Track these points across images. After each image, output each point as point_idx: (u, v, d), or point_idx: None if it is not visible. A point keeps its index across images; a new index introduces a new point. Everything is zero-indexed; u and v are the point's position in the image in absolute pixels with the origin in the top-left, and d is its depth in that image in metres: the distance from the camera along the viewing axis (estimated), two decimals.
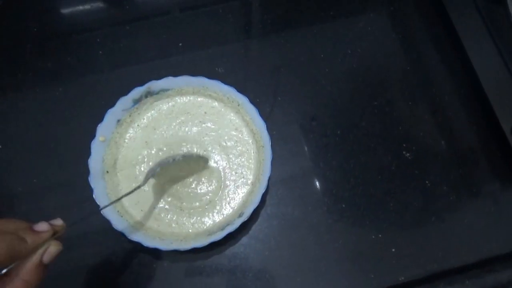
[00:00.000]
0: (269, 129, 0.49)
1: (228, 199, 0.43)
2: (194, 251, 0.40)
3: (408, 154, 0.50)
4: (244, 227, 0.46)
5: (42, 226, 0.29)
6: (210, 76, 0.45)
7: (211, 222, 0.42)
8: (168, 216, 0.42)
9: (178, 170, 0.43)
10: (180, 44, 0.54)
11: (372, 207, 0.48)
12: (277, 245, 0.46)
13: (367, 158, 0.50)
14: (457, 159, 0.50)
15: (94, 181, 0.40)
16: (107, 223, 0.40)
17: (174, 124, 0.45)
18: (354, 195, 0.48)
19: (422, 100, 0.53)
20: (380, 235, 0.47)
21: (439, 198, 0.49)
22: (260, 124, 0.43)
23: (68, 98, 0.50)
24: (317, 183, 0.48)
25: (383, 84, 0.53)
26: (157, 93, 0.44)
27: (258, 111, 0.43)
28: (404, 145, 0.50)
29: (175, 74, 0.45)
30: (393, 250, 0.46)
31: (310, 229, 0.47)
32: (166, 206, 0.42)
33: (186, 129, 0.45)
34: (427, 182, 0.49)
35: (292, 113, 0.51)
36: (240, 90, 0.45)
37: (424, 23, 0.57)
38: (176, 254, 0.41)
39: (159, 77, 0.45)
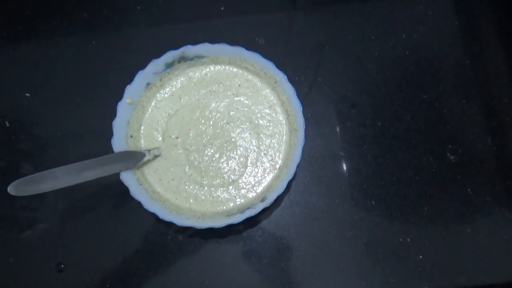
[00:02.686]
0: (304, 111, 0.46)
1: (252, 181, 0.40)
2: (211, 229, 0.38)
3: (452, 157, 0.46)
4: (265, 211, 0.44)
5: None
6: (249, 46, 0.42)
7: (232, 203, 0.40)
8: (187, 191, 0.40)
9: (202, 139, 0.41)
10: (222, 8, 0.50)
11: (403, 209, 0.44)
12: (296, 234, 0.44)
13: (406, 155, 0.46)
14: (506, 169, 0.46)
15: (117, 144, 0.39)
16: (126, 188, 0.39)
17: (203, 91, 0.42)
18: (386, 194, 0.45)
19: (477, 100, 0.48)
20: (408, 239, 0.44)
21: (479, 208, 0.45)
22: (296, 106, 0.40)
23: (99, 53, 0.49)
24: (348, 175, 0.45)
25: (435, 77, 0.48)
26: (191, 59, 0.41)
27: (296, 91, 0.40)
28: (450, 146, 0.46)
29: (213, 40, 0.42)
30: (420, 257, 0.43)
31: (333, 223, 0.44)
32: (186, 180, 0.40)
33: (216, 99, 0.42)
34: (469, 189, 0.45)
35: (331, 97, 0.48)
36: (279, 65, 0.42)
37: (493, 13, 0.51)
38: (192, 228, 0.40)
39: (195, 41, 0.42)
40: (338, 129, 0.46)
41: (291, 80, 0.41)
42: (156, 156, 0.41)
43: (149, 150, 0.40)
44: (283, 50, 0.49)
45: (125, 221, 0.44)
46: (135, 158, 0.39)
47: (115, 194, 0.44)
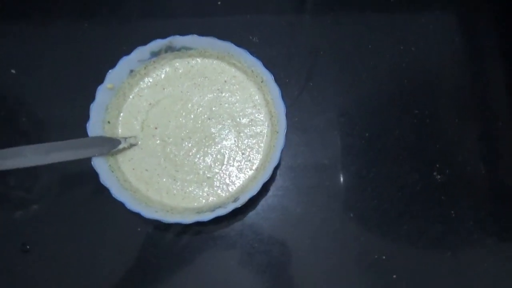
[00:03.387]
0: (291, 115, 0.45)
1: (227, 180, 0.39)
2: (179, 224, 0.37)
3: (439, 176, 0.44)
4: (239, 213, 0.43)
5: None
6: (242, 44, 0.41)
7: (204, 201, 0.39)
8: (160, 183, 0.39)
9: (181, 132, 0.40)
10: (219, 3, 0.49)
11: (382, 225, 0.43)
12: (269, 239, 0.42)
13: (391, 170, 0.44)
14: (494, 196, 0.44)
15: (92, 129, 0.38)
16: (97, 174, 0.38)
17: (188, 84, 0.41)
18: (366, 208, 0.43)
19: (471, 121, 0.46)
20: (383, 257, 0.42)
21: (461, 233, 0.43)
22: (280, 107, 0.38)
23: (89, 36, 0.48)
24: (328, 185, 0.44)
25: (430, 93, 0.47)
26: (179, 49, 0.40)
27: (282, 93, 0.39)
28: (437, 165, 0.44)
29: (204, 34, 0.41)
30: (394, 276, 0.42)
31: (307, 231, 0.43)
32: (160, 171, 0.39)
33: (200, 93, 0.41)
34: (452, 212, 0.43)
35: (320, 103, 0.46)
36: (270, 65, 0.40)
37: (497, 34, 0.49)
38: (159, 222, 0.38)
39: (187, 34, 0.41)
40: (324, 136, 0.45)
41: (281, 81, 0.40)
42: (132, 145, 0.40)
43: (125, 138, 0.39)
44: (276, 50, 0.48)
45: (103, 212, 0.43)
46: (110, 145, 0.38)
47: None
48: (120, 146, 0.39)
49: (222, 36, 0.40)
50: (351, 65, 0.47)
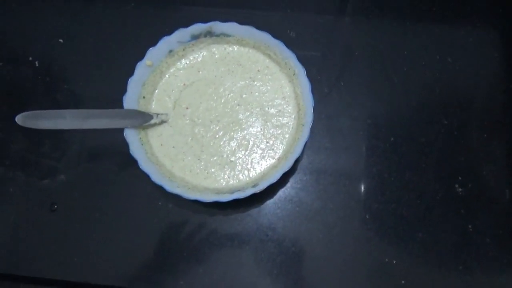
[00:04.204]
0: (319, 111, 0.46)
1: (249, 166, 0.40)
2: (198, 202, 0.38)
3: (460, 189, 0.44)
4: (256, 199, 0.44)
5: None
6: (279, 37, 0.42)
7: (224, 183, 0.40)
8: (184, 161, 0.40)
9: (210, 114, 0.41)
10: None
11: (397, 230, 0.43)
12: (283, 229, 0.43)
13: (413, 177, 0.44)
14: None
15: (128, 102, 0.40)
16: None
17: (222, 69, 0.43)
18: (383, 211, 0.44)
19: (501, 138, 0.45)
20: (394, 261, 0.42)
21: (476, 248, 0.43)
22: (308, 101, 0.39)
23: (134, 15, 0.50)
24: (347, 183, 0.44)
25: (462, 105, 0.46)
26: (218, 35, 0.42)
27: (312, 87, 0.40)
28: (460, 178, 0.44)
29: (244, 23, 0.43)
30: (403, 281, 0.42)
31: (321, 226, 0.43)
32: (186, 150, 0.41)
33: (233, 79, 0.42)
34: (469, 226, 0.43)
35: (349, 103, 0.47)
36: (304, 60, 0.41)
37: None
38: (180, 198, 0.40)
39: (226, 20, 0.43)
40: (349, 135, 0.46)
41: (312, 77, 0.41)
42: (163, 122, 0.42)
43: (157, 114, 0.41)
44: (311, 47, 0.48)
45: (128, 184, 0.45)
46: (142, 118, 0.40)
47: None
48: (152, 121, 0.40)
49: (261, 27, 0.42)
50: (383, 69, 0.48)
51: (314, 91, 0.39)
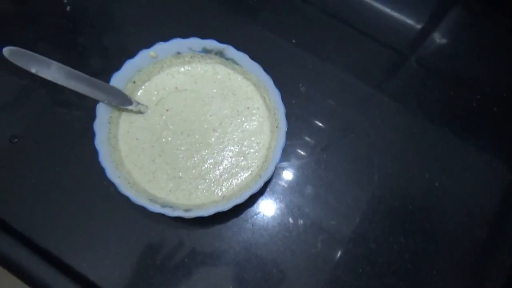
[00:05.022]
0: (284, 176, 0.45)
1: (191, 191, 0.40)
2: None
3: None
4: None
5: None
6: (289, 89, 0.42)
7: (164, 194, 0.40)
8: (139, 156, 0.41)
9: (185, 126, 0.42)
10: (294, 41, 0.51)
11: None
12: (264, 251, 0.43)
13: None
14: None
15: (116, 79, 0.40)
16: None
17: (216, 91, 0.43)
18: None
19: None
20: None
21: None
22: (275, 157, 0.39)
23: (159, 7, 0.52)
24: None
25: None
26: (227, 58, 0.42)
27: (289, 150, 0.39)
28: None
29: (255, 59, 0.43)
30: None
31: (301, 245, 0.43)
32: (146, 147, 0.41)
33: (222, 105, 0.43)
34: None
35: (320, 195, 0.46)
36: (299, 121, 0.41)
37: None
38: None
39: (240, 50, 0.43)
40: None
41: (291, 130, 0.40)
42: (140, 112, 0.42)
43: (138, 103, 0.42)
44: (317, 105, 0.48)
45: (83, 155, 0.45)
46: (122, 100, 0.40)
47: None
48: (129, 107, 0.41)
49: (273, 70, 0.42)
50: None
51: (290, 148, 0.39)
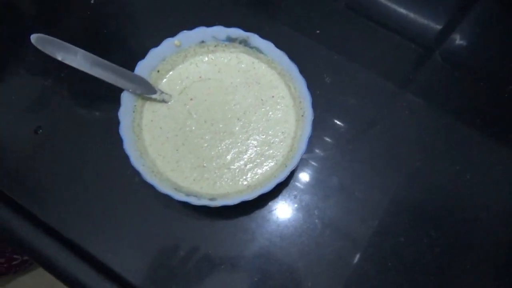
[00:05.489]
0: (309, 163, 0.44)
1: (215, 180, 0.40)
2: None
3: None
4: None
5: None
6: (313, 79, 0.40)
7: (187, 182, 0.39)
8: (163, 145, 0.40)
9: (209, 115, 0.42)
10: (317, 32, 0.50)
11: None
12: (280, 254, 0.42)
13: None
14: None
15: (141, 68, 0.40)
16: None
17: (240, 80, 0.42)
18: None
19: None
20: None
21: None
22: (301, 147, 0.38)
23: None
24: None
25: None
26: (251, 47, 0.42)
27: (316, 136, 0.38)
28: None
29: (279, 47, 0.42)
30: None
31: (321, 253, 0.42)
32: (169, 136, 0.41)
33: (246, 94, 0.42)
34: None
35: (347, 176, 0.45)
36: (326, 110, 0.40)
37: None
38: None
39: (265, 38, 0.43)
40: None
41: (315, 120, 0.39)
42: (163, 101, 0.42)
43: (162, 92, 0.41)
44: (342, 99, 0.47)
45: (106, 142, 0.45)
46: (146, 88, 0.40)
47: None
48: (153, 96, 0.41)
49: (298, 60, 0.41)
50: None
51: (315, 139, 0.38)
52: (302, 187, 0.44)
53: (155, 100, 0.41)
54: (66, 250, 0.42)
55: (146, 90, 0.40)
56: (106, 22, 0.51)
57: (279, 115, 0.41)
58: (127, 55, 0.47)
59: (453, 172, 0.45)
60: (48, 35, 0.37)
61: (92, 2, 0.51)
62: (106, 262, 0.42)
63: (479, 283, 0.41)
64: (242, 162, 0.40)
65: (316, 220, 0.43)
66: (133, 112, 0.40)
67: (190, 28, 0.41)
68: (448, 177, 0.44)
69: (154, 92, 0.41)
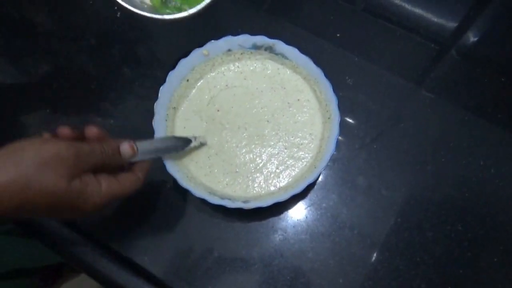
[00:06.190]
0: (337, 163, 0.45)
1: (249, 182, 0.41)
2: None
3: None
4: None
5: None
6: (337, 82, 0.42)
7: (223, 188, 0.41)
8: (198, 154, 0.42)
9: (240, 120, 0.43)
10: (338, 35, 0.51)
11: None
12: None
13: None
14: None
15: (172, 79, 0.42)
16: None
17: (266, 85, 0.44)
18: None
19: None
20: None
21: None
22: (329, 148, 0.39)
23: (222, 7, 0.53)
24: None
25: None
26: (276, 54, 0.43)
27: (343, 139, 0.40)
28: None
29: (304, 53, 0.43)
30: None
31: (335, 258, 0.43)
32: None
33: (272, 98, 0.44)
34: None
35: (372, 167, 0.46)
36: (349, 111, 0.41)
37: None
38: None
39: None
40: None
41: (346, 129, 0.41)
42: (201, 144, 0.42)
43: (195, 137, 0.42)
44: (364, 98, 0.48)
45: None
46: (183, 143, 0.40)
47: None
48: (192, 145, 0.41)
49: (320, 63, 0.42)
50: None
51: (340, 140, 0.39)
52: (329, 187, 0.45)
53: (195, 148, 0.42)
54: (106, 255, 0.44)
55: (184, 144, 0.40)
56: (135, 36, 0.53)
57: (306, 118, 0.43)
58: (157, 66, 0.49)
59: (477, 167, 0.45)
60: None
61: (118, 15, 0.53)
62: (142, 264, 0.44)
63: (507, 276, 0.42)
64: (274, 165, 0.42)
65: (345, 219, 0.44)
66: (166, 120, 0.42)
67: (217, 37, 0.43)
68: (472, 172, 0.45)
69: (190, 141, 0.41)
